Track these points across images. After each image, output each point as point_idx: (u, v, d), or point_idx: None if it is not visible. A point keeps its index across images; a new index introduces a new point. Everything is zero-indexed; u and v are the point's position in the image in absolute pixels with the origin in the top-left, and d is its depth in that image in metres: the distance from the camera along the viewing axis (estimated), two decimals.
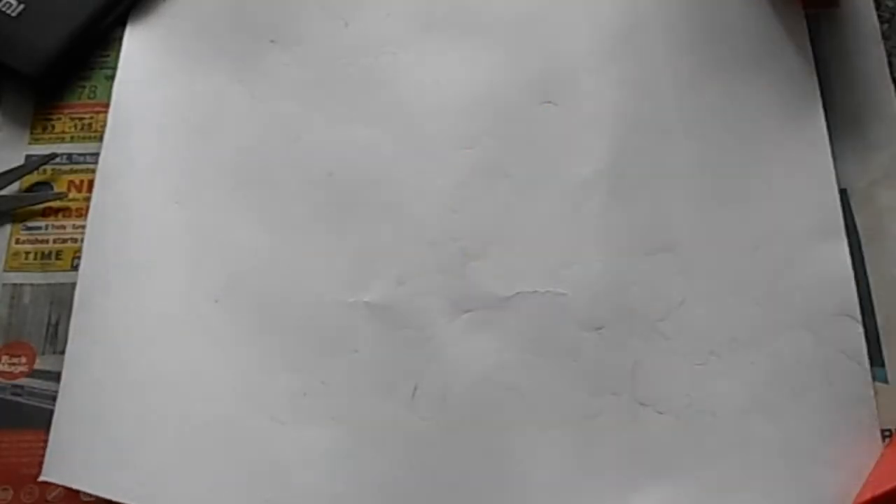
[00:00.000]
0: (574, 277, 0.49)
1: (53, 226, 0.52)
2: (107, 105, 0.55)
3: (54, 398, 0.47)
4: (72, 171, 0.54)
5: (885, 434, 0.45)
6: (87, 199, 0.52)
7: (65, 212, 0.53)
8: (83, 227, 0.52)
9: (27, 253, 0.52)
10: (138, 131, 0.54)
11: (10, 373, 0.49)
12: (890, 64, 0.54)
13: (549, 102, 0.54)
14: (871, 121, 0.53)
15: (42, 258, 0.52)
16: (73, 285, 0.50)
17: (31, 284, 0.51)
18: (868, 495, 0.43)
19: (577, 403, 0.46)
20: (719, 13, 0.55)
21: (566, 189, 0.51)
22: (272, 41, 0.57)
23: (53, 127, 0.55)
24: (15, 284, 0.51)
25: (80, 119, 0.55)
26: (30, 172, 0.53)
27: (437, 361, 0.48)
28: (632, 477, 0.45)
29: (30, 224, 0.52)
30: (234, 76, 0.56)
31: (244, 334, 0.49)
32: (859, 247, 0.49)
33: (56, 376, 0.48)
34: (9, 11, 0.55)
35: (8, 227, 0.52)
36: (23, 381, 0.49)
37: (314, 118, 0.54)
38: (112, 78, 0.55)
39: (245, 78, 0.56)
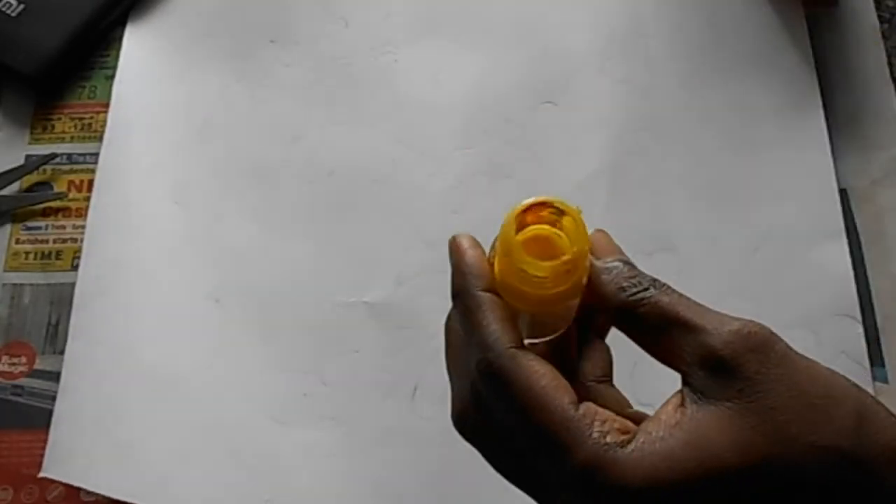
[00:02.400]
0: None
1: (53, 226, 0.52)
2: (107, 105, 0.55)
3: (54, 398, 0.47)
4: (72, 171, 0.54)
5: None
6: (87, 199, 0.52)
7: (65, 212, 0.53)
8: (83, 227, 0.52)
9: (27, 253, 0.52)
10: (138, 131, 0.54)
11: (10, 373, 0.49)
12: (890, 64, 0.54)
13: (549, 102, 0.54)
14: (871, 121, 0.53)
15: (42, 258, 0.51)
16: (73, 285, 0.50)
17: (31, 284, 0.51)
18: None
19: None
20: (719, 13, 0.55)
21: (566, 189, 0.51)
22: (272, 41, 0.57)
23: (53, 127, 0.55)
24: (15, 284, 0.51)
25: (80, 119, 0.55)
26: (30, 172, 0.53)
27: (438, 361, 0.47)
28: None
29: (30, 224, 0.52)
30: (234, 76, 0.56)
31: (244, 334, 0.49)
32: (859, 247, 0.49)
33: (56, 376, 0.48)
34: (9, 11, 0.55)
35: (8, 227, 0.52)
36: (23, 381, 0.49)
37: (314, 118, 0.54)
38: (112, 78, 0.55)
39: (245, 78, 0.56)
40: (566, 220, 0.26)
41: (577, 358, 0.28)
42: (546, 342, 0.28)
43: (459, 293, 0.27)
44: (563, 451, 0.23)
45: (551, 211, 0.27)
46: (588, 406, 0.24)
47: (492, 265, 0.28)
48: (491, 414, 0.26)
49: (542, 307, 0.27)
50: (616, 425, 0.24)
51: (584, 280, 0.27)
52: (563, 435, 0.23)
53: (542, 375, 0.24)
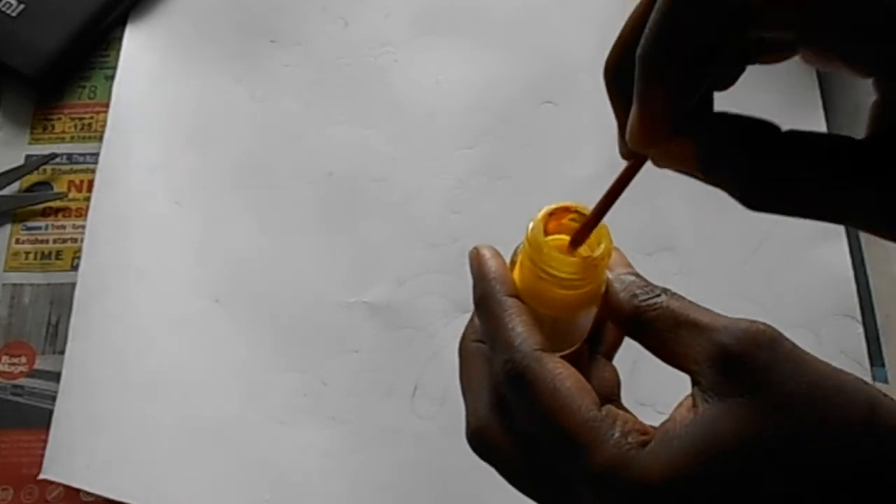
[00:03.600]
0: None
1: (53, 226, 0.52)
2: (107, 105, 0.55)
3: (54, 398, 0.47)
4: (72, 171, 0.54)
5: None
6: (87, 199, 0.52)
7: (65, 212, 0.53)
8: (83, 227, 0.52)
9: (27, 253, 0.52)
10: (138, 131, 0.54)
11: (10, 373, 0.49)
12: None
13: (549, 102, 0.54)
14: None
15: (42, 258, 0.51)
16: (73, 285, 0.50)
17: (31, 284, 0.51)
18: None
19: None
20: None
21: (566, 189, 0.51)
22: (272, 41, 0.57)
23: (53, 127, 0.55)
24: (15, 284, 0.51)
25: (80, 119, 0.55)
26: (30, 172, 0.53)
27: (437, 361, 0.48)
28: None
29: (30, 224, 0.52)
30: (234, 76, 0.56)
31: (244, 334, 0.49)
32: (859, 247, 0.49)
33: (56, 376, 0.48)
34: (9, 11, 0.55)
35: (8, 227, 0.52)
36: (23, 381, 0.49)
37: (314, 118, 0.54)
38: (112, 78, 0.55)
39: (245, 78, 0.56)
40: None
41: (587, 378, 0.28)
42: (563, 357, 0.29)
43: (483, 298, 0.28)
44: (587, 451, 0.23)
45: (572, 217, 0.27)
46: (610, 408, 0.25)
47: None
48: (512, 417, 0.26)
49: (564, 311, 0.28)
50: (637, 426, 0.24)
51: (602, 289, 0.27)
52: (586, 435, 0.24)
53: (566, 377, 0.25)
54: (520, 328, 0.26)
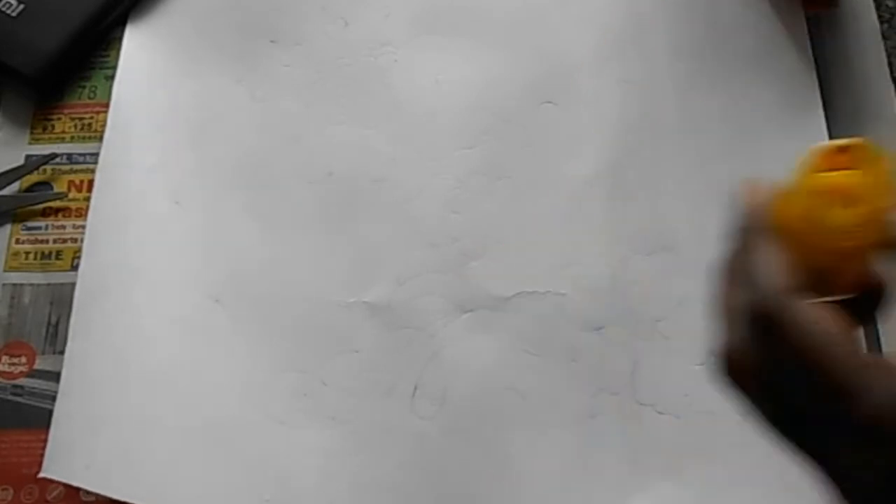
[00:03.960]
0: (574, 277, 0.49)
1: (53, 226, 0.52)
2: (107, 105, 0.55)
3: (54, 398, 0.47)
4: (72, 171, 0.54)
5: None
6: (87, 199, 0.52)
7: (65, 212, 0.53)
8: (83, 227, 0.52)
9: (27, 253, 0.52)
10: (138, 131, 0.54)
11: (10, 373, 0.49)
12: (890, 64, 0.54)
13: (549, 102, 0.54)
14: (871, 121, 0.53)
15: (42, 258, 0.52)
16: (73, 285, 0.50)
17: (31, 284, 0.51)
18: None
19: (577, 403, 0.46)
20: (719, 14, 0.55)
21: (566, 189, 0.51)
22: (272, 41, 0.57)
23: (53, 127, 0.55)
24: (15, 284, 0.51)
25: (80, 119, 0.55)
26: (30, 172, 0.53)
27: (437, 361, 0.48)
28: (632, 477, 0.45)
29: (30, 224, 0.52)
30: (234, 76, 0.56)
31: (244, 334, 0.49)
32: None
33: (56, 376, 0.48)
34: (9, 11, 0.55)
35: (8, 227, 0.52)
36: (23, 381, 0.49)
37: (314, 118, 0.54)
38: (112, 78, 0.55)
39: (245, 78, 0.56)
40: (873, 168, 0.24)
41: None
42: (828, 303, 0.26)
43: (747, 231, 0.26)
44: (850, 400, 0.22)
45: (853, 157, 0.24)
46: (873, 354, 0.23)
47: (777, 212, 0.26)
48: (765, 358, 0.24)
49: (835, 262, 0.25)
50: None
51: (882, 240, 0.24)
52: (850, 382, 0.22)
53: (824, 320, 0.23)
54: (775, 268, 0.24)
